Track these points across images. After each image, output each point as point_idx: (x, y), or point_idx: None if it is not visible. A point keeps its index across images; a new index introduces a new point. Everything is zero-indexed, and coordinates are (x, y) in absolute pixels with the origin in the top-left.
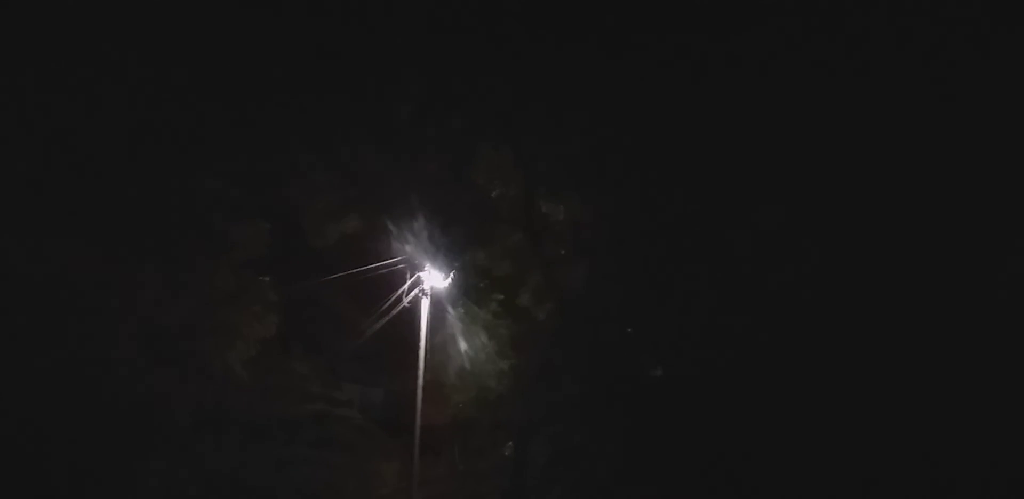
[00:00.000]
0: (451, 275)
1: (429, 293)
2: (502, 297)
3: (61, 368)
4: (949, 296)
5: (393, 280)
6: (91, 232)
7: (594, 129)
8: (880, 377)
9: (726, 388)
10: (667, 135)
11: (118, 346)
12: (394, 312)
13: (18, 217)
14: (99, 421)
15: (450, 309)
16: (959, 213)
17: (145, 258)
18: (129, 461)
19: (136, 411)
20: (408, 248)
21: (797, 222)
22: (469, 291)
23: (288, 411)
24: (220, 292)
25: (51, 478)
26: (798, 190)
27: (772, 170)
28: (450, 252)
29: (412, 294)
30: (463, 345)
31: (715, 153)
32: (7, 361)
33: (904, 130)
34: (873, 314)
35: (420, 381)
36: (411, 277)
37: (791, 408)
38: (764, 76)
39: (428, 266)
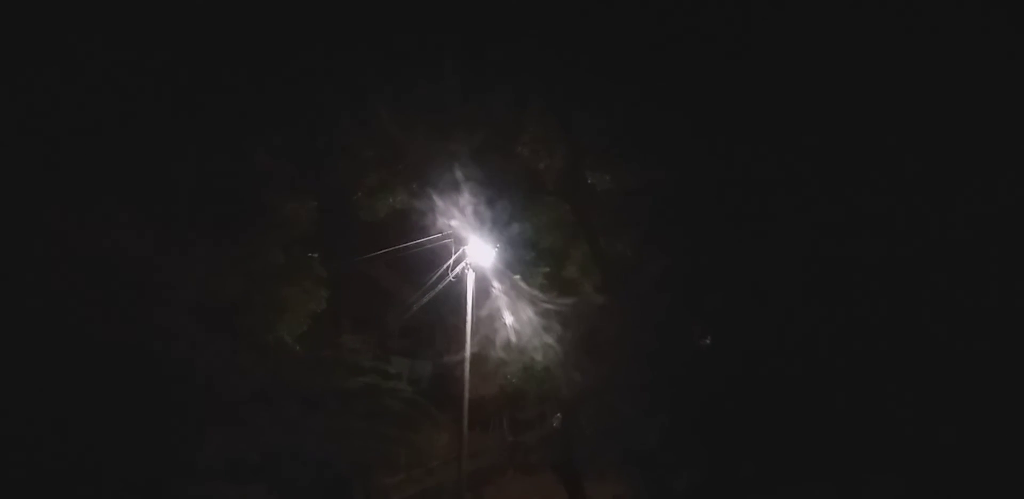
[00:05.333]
0: (497, 248)
1: (475, 267)
2: (548, 270)
3: (120, 343)
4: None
5: (439, 254)
6: (145, 210)
7: (640, 97)
8: (934, 347)
9: (775, 358)
10: (714, 101)
11: (174, 321)
12: (440, 286)
13: (74, 197)
14: (157, 395)
15: (496, 283)
16: None
17: (197, 235)
18: (187, 433)
19: (193, 385)
20: (454, 222)
21: (849, 190)
22: (515, 264)
23: (340, 384)
24: (270, 268)
25: (110, 449)
26: (847, 157)
27: (821, 137)
28: (496, 225)
29: (458, 268)
30: (509, 318)
31: (763, 119)
32: (68, 337)
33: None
34: (928, 281)
35: (467, 354)
36: (457, 251)
37: (841, 377)
38: (816, 43)
39: (474, 240)
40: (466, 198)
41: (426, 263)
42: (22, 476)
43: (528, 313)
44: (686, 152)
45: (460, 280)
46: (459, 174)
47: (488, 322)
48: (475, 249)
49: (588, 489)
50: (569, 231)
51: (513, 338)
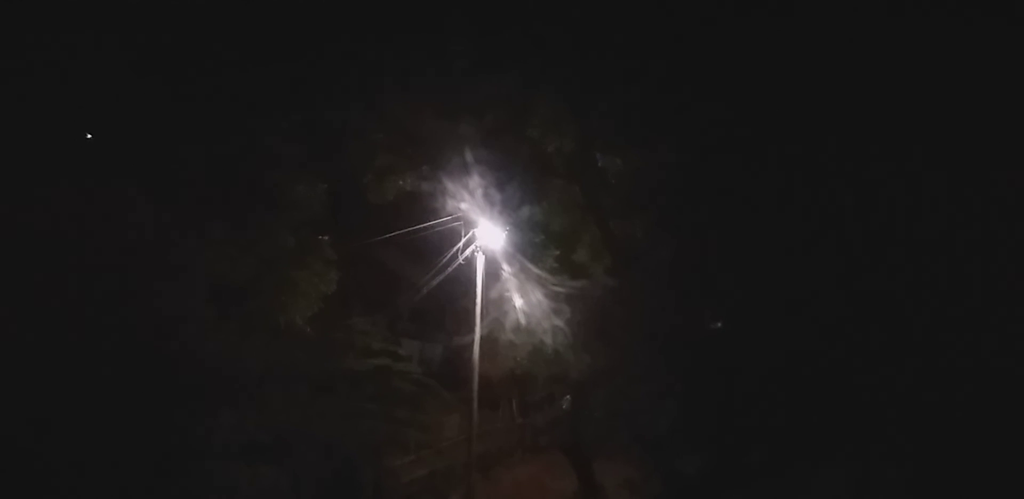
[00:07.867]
0: (506, 231)
1: (485, 250)
2: (558, 252)
3: (133, 326)
4: None
5: (449, 237)
6: (156, 193)
7: (649, 79)
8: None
9: (786, 342)
10: (725, 83)
11: (186, 304)
12: (450, 269)
13: (89, 180)
14: (170, 377)
15: (505, 265)
16: None
17: (207, 218)
18: (199, 415)
19: (206, 366)
20: (463, 205)
21: (863, 174)
22: (524, 247)
23: (350, 366)
24: (281, 251)
25: (124, 431)
26: (861, 138)
27: (833, 118)
28: (505, 208)
29: (468, 251)
30: (519, 301)
31: (774, 101)
32: (80, 320)
33: None
34: (944, 266)
35: (477, 337)
36: (467, 234)
37: (852, 362)
38: (825, 24)
39: (483, 223)
40: (476, 181)
41: (436, 246)
42: (37, 456)
43: (538, 296)
44: (696, 135)
45: (470, 263)
46: (469, 157)
47: (498, 305)
48: (485, 232)
49: (597, 471)
50: (579, 214)
51: (523, 321)
